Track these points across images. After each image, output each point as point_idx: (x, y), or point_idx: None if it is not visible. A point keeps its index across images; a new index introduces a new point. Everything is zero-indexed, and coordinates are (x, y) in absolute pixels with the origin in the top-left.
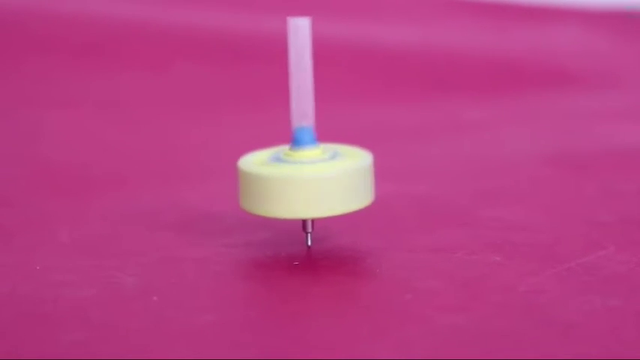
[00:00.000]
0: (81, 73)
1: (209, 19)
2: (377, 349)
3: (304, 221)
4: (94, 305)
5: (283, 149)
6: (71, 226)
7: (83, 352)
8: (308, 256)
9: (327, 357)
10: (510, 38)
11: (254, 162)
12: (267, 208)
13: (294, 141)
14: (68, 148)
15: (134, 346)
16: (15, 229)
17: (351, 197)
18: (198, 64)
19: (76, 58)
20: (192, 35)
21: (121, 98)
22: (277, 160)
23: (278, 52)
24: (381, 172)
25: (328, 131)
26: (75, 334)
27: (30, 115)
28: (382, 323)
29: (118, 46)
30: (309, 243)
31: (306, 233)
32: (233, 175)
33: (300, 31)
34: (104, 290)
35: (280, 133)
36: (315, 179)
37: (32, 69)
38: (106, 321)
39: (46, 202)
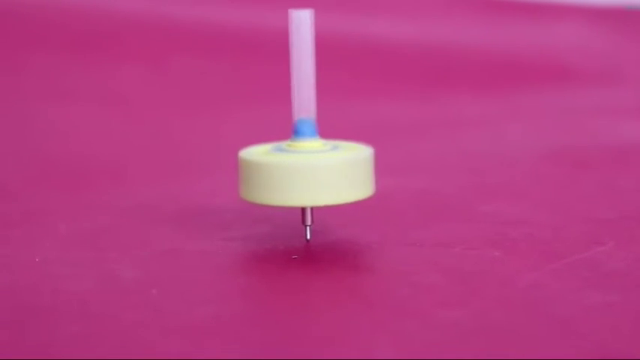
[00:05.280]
0: (82, 67)
1: (210, 13)
2: (376, 343)
3: (303, 214)
4: (92, 298)
5: (284, 142)
6: (70, 218)
7: (82, 344)
8: (307, 249)
9: (326, 351)
10: (511, 34)
11: (255, 152)
12: (269, 196)
13: (296, 132)
14: (68, 141)
15: (133, 338)
16: (14, 222)
17: (352, 187)
18: (198, 58)
19: (77, 51)
20: (193, 29)
21: (121, 92)
22: (279, 150)
23: (279, 46)
24: (381, 167)
25: (327, 126)
26: (74, 326)
27: (30, 108)
28: (381, 317)
29: (118, 39)
30: (309, 236)
31: (306, 226)
32: (232, 168)
33: (302, 23)
34: (103, 283)
35: (281, 127)
36: (318, 166)
37: (32, 63)
38: (105, 313)
39: (45, 194)
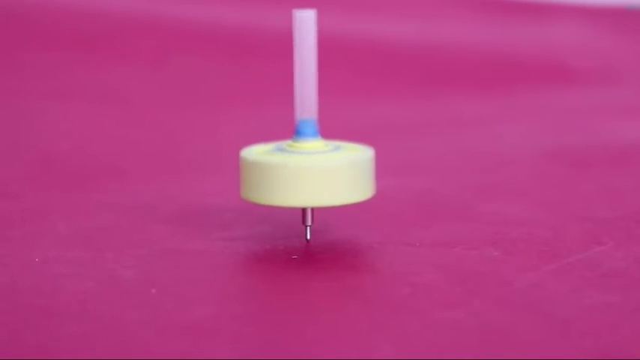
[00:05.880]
0: (82, 66)
1: (210, 13)
2: (375, 343)
3: (304, 214)
4: (92, 297)
5: (286, 142)
6: (70, 218)
7: (81, 344)
8: (307, 249)
9: (326, 350)
10: (511, 34)
11: (257, 152)
12: (270, 196)
13: (297, 133)
14: (68, 141)
15: (132, 338)
16: (14, 221)
17: (353, 188)
18: (198, 57)
19: (77, 51)
20: (193, 28)
21: (122, 91)
22: (280, 150)
23: (279, 46)
24: (381, 167)
25: (328, 127)
26: (73, 326)
27: (29, 107)
28: (381, 317)
29: (118, 38)
30: (309, 236)
31: (306, 227)
32: (233, 168)
33: (305, 24)
34: (103, 282)
35: (282, 128)
36: (319, 168)
37: (32, 61)
38: (105, 313)
39: (45, 194)
